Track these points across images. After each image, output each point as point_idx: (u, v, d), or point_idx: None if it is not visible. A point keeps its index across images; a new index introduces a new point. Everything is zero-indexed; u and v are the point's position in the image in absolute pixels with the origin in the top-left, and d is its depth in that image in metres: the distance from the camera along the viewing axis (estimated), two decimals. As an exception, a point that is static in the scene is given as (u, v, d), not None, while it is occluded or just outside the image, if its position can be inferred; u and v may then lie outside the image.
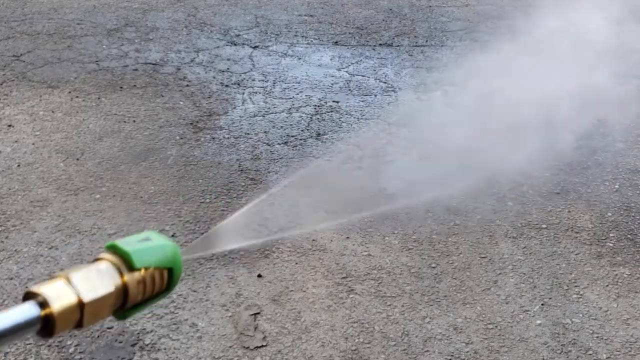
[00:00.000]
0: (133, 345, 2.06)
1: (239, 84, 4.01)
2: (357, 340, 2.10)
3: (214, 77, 4.10)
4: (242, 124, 3.50)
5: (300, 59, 4.45)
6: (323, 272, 2.40)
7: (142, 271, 0.72)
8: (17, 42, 4.58)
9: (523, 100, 2.48)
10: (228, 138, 3.35)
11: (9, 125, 3.41)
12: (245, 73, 4.19)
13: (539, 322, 2.19)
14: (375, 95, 3.91)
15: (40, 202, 2.75)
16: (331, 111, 3.68)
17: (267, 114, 3.63)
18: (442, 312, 2.23)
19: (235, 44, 4.70)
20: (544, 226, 2.70)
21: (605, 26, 2.82)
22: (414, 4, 5.79)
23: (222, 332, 2.12)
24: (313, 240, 2.57)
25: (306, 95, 3.88)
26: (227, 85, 3.99)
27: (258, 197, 2.76)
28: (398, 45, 4.75)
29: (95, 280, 0.69)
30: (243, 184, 2.95)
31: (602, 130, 3.54)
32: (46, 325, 0.65)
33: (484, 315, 2.22)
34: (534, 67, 2.73)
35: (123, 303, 0.73)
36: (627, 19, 3.12)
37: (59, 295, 0.66)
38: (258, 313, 2.20)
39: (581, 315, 2.23)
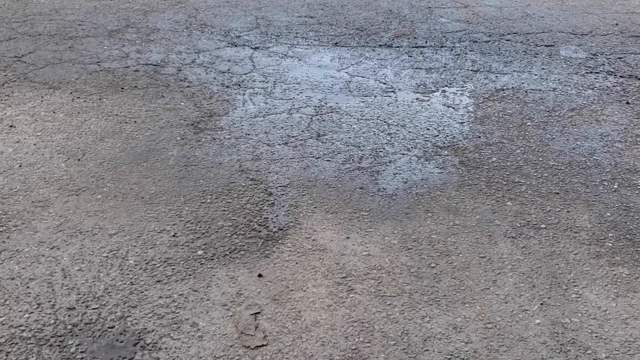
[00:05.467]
0: (134, 345, 2.07)
1: (239, 85, 4.03)
2: (357, 340, 2.11)
3: (215, 78, 4.12)
4: (242, 125, 3.52)
5: (300, 60, 4.47)
6: (323, 271, 2.41)
7: None
8: (18, 43, 4.60)
9: None
10: (229, 138, 3.37)
11: (11, 126, 3.42)
12: (245, 74, 4.20)
13: (538, 321, 2.21)
14: (375, 96, 3.92)
15: (42, 203, 2.77)
16: (331, 112, 3.70)
17: (268, 115, 3.64)
18: (441, 312, 2.24)
19: (235, 45, 4.72)
20: (542, 226, 2.72)
21: None
22: (413, 5, 5.80)
23: (222, 331, 2.13)
24: (313, 240, 2.58)
25: (306, 96, 3.89)
26: (227, 86, 4.01)
27: None
28: (398, 47, 4.77)
29: None
30: (244, 184, 2.96)
31: (601, 131, 3.56)
32: None
33: (483, 315, 2.23)
34: None
35: None
36: None
37: None
38: (259, 312, 2.21)
39: (580, 314, 2.24)
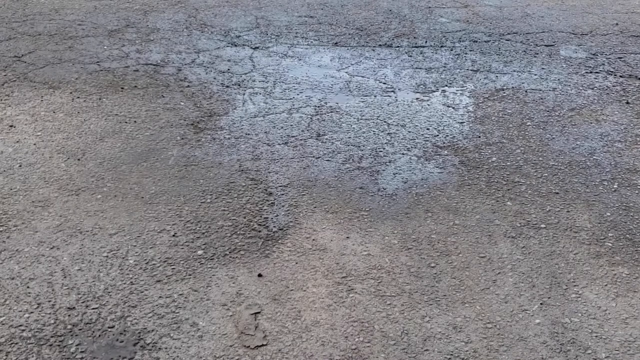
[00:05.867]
0: (134, 345, 2.07)
1: (239, 85, 4.03)
2: (357, 339, 2.11)
3: (215, 78, 4.12)
4: (242, 125, 3.52)
5: (300, 59, 4.47)
6: (323, 271, 2.41)
7: None
8: (18, 43, 4.60)
9: None
10: (229, 138, 3.37)
11: (11, 126, 3.42)
12: (245, 74, 4.20)
13: (537, 321, 2.21)
14: (375, 96, 3.92)
15: (42, 202, 2.77)
16: (331, 112, 3.70)
17: (268, 115, 3.64)
18: (441, 312, 2.24)
19: (235, 45, 4.71)
20: (542, 226, 2.71)
21: None
22: (413, 5, 5.80)
23: (222, 331, 2.13)
24: (313, 240, 2.58)
25: (306, 96, 3.89)
26: (227, 86, 4.01)
27: None
28: (398, 46, 4.77)
29: None
30: (244, 184, 2.96)
31: (601, 131, 3.56)
32: None
33: (483, 315, 2.23)
34: None
35: None
36: None
37: None
38: (258, 312, 2.21)
39: (580, 314, 2.24)
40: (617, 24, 5.36)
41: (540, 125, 3.59)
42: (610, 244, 2.61)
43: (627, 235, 2.67)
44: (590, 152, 3.33)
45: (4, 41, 4.63)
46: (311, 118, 3.61)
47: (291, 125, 3.53)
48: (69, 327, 2.13)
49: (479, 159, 3.23)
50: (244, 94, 3.90)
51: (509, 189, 2.97)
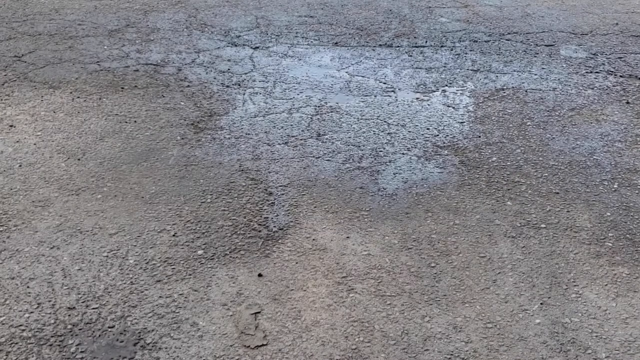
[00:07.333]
0: (134, 345, 2.07)
1: (239, 85, 4.03)
2: (357, 339, 2.11)
3: (215, 78, 4.12)
4: (242, 124, 3.52)
5: (300, 59, 4.47)
6: (323, 271, 2.41)
7: None
8: (18, 42, 4.60)
9: None
10: (229, 138, 3.37)
11: (11, 126, 3.42)
12: (245, 74, 4.20)
13: (538, 321, 2.21)
14: (375, 96, 3.92)
15: (42, 202, 2.77)
16: (331, 111, 3.70)
17: (268, 114, 3.64)
18: (441, 311, 2.24)
19: (236, 45, 4.71)
20: (542, 226, 2.72)
21: None
22: (413, 5, 5.80)
23: (223, 331, 2.13)
24: (313, 239, 2.58)
25: (306, 96, 3.89)
26: (227, 86, 4.01)
27: None
28: (398, 46, 4.77)
29: None
30: (244, 183, 2.96)
31: (601, 131, 3.56)
32: None
33: (483, 314, 2.23)
34: None
35: None
36: None
37: None
38: (259, 312, 2.21)
39: (580, 314, 2.24)
40: (617, 23, 5.36)
41: (541, 125, 3.59)
42: (610, 244, 2.61)
43: (627, 235, 2.67)
44: (590, 152, 3.33)
45: (4, 41, 4.63)
46: (311, 118, 3.61)
47: (291, 125, 3.53)
48: (69, 327, 2.13)
49: (479, 159, 3.23)
50: (244, 94, 3.90)
51: (509, 189, 2.97)
